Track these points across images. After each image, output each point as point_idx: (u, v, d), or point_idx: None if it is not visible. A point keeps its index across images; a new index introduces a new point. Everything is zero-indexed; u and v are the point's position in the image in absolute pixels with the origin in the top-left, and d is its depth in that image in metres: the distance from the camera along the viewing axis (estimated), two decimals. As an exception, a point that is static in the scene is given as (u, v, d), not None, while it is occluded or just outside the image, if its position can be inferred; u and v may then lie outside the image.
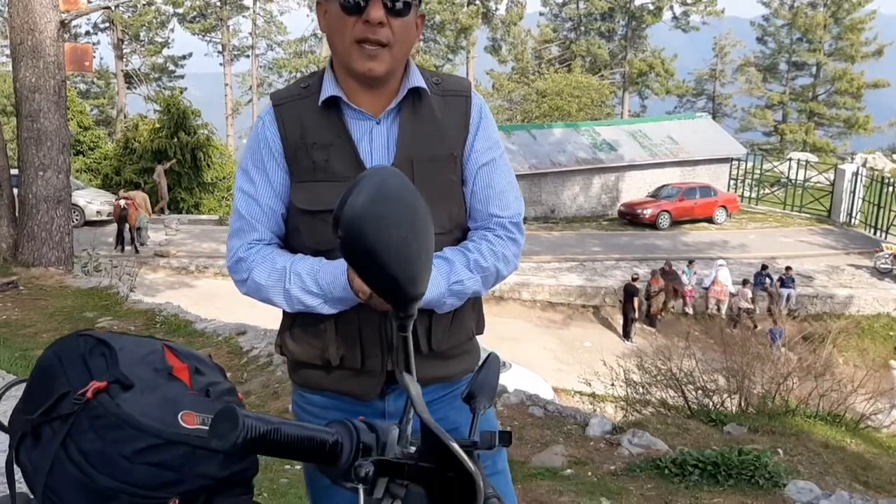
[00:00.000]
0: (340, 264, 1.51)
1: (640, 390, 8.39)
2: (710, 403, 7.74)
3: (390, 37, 1.51)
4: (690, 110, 41.81)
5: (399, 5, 1.50)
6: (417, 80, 1.62)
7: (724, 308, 17.71)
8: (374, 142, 1.61)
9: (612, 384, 8.94)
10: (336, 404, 1.71)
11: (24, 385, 1.47)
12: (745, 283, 17.85)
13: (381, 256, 0.90)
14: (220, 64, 40.30)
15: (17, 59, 9.65)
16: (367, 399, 1.66)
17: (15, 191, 10.19)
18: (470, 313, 1.73)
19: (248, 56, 41.30)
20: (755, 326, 15.26)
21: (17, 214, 10.12)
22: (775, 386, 7.66)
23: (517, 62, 42.22)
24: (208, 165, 25.06)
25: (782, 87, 41.24)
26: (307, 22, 40.82)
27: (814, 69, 39.86)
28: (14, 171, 10.34)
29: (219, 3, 39.21)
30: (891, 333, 17.65)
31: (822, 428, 6.91)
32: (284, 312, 1.73)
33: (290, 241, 1.67)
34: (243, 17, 40.82)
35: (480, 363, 1.34)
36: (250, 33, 41.01)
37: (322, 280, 1.54)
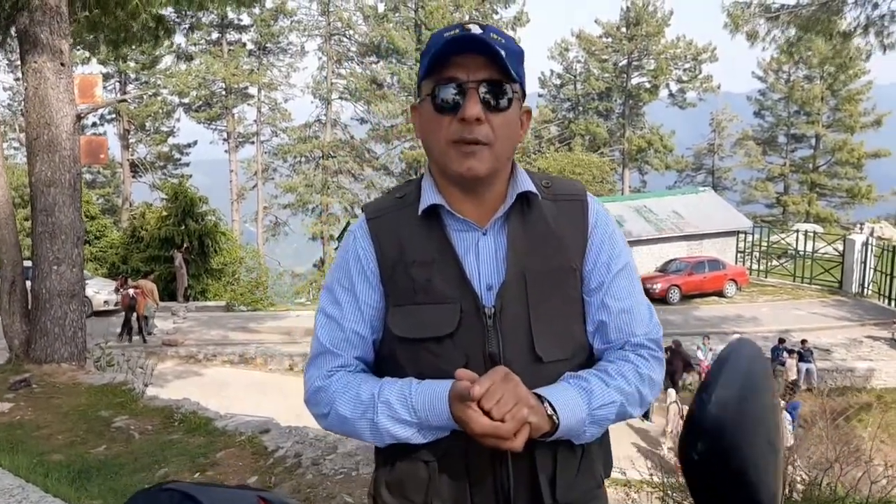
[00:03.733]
0: (438, 386, 1.32)
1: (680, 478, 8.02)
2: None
3: (490, 134, 1.36)
4: (690, 184, 42.19)
5: (499, 100, 1.37)
6: (526, 183, 1.46)
7: (741, 384, 17.33)
8: (482, 256, 1.43)
9: (651, 474, 8.56)
10: None
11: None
12: (791, 353, 17.49)
13: (751, 474, 0.70)
14: (226, 151, 40.87)
15: (32, 153, 9.63)
16: None
17: (27, 284, 10.05)
18: (598, 453, 1.51)
19: (252, 142, 41.92)
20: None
21: (29, 309, 9.94)
22: (821, 472, 7.33)
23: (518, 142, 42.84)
24: (216, 251, 25.08)
25: (782, 159, 41.70)
26: (311, 108, 41.62)
27: (813, 141, 40.39)
28: (27, 264, 10.23)
29: (224, 93, 39.99)
30: (917, 407, 17.16)
31: (876, 517, 6.55)
32: (377, 455, 1.52)
33: (384, 371, 1.46)
34: (248, 105, 41.62)
35: None
36: (255, 121, 41.74)
37: (417, 405, 1.34)
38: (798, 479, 7.54)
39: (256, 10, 39.38)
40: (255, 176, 41.35)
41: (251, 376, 16.79)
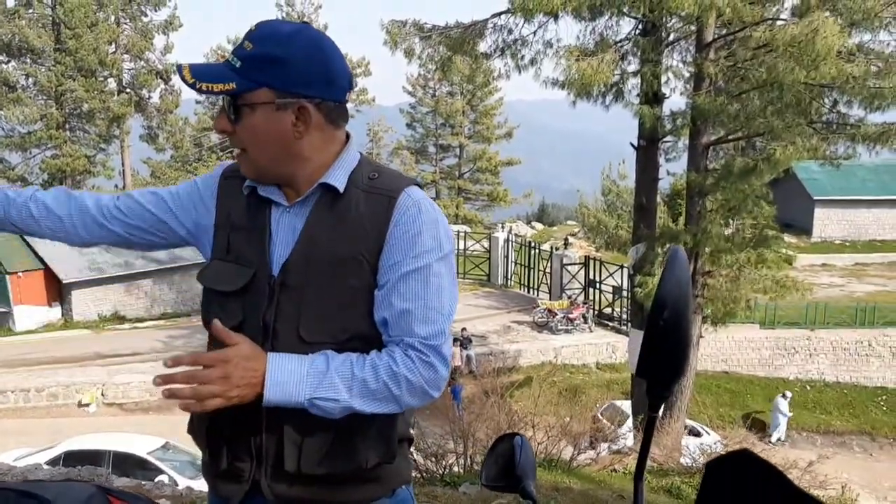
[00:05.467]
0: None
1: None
2: (438, 468, 8.06)
3: (241, 142, 1.53)
4: (354, 191, 43.82)
5: (236, 112, 1.50)
6: (335, 176, 1.55)
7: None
8: (280, 230, 1.58)
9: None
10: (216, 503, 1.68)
11: None
12: (454, 342, 18.97)
13: (688, 334, 0.98)
14: None
15: None
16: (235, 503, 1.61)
17: None
18: (365, 440, 1.54)
19: None
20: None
21: None
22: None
23: (177, 150, 40.96)
24: None
25: (433, 167, 45.11)
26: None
27: (458, 150, 44.29)
28: None
29: None
30: (554, 379, 19.77)
31: (544, 473, 7.57)
32: None
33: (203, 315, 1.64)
34: None
35: (494, 443, 1.40)
36: None
37: None
38: (479, 449, 8.45)
39: None
40: None
41: None
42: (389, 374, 1.42)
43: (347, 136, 1.64)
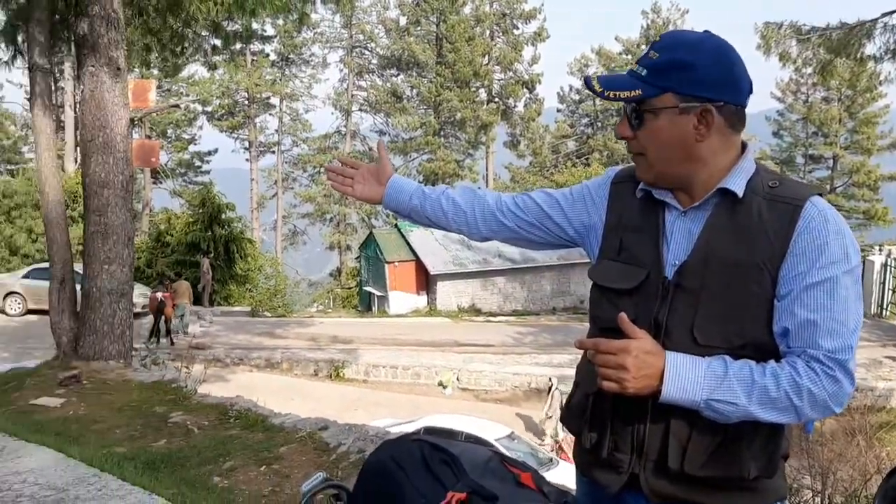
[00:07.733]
0: None
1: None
2: (790, 502, 7.50)
3: (640, 146, 1.59)
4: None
5: (639, 118, 1.57)
6: (734, 182, 1.54)
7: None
8: (675, 234, 1.61)
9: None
10: (589, 491, 1.71)
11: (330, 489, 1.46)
12: None
13: None
14: (247, 160, 41.17)
15: (87, 155, 9.87)
16: (611, 493, 1.63)
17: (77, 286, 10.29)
18: (750, 449, 1.52)
19: (273, 152, 42.24)
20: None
21: (77, 308, 10.16)
22: (860, 485, 7.45)
23: (535, 156, 43.02)
24: (241, 257, 25.33)
25: (801, 179, 41.79)
26: (331, 119, 41.93)
27: (830, 162, 40.44)
28: (77, 266, 10.46)
29: (247, 102, 40.33)
30: (935, 427, 17.14)
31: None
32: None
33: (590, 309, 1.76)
34: (270, 115, 41.95)
35: (889, 474, 1.29)
36: (276, 130, 42.07)
37: None
38: (838, 490, 7.69)
39: (280, 22, 39.77)
40: (276, 185, 41.65)
41: (277, 381, 16.95)
42: (791, 384, 1.41)
43: (744, 145, 1.62)
